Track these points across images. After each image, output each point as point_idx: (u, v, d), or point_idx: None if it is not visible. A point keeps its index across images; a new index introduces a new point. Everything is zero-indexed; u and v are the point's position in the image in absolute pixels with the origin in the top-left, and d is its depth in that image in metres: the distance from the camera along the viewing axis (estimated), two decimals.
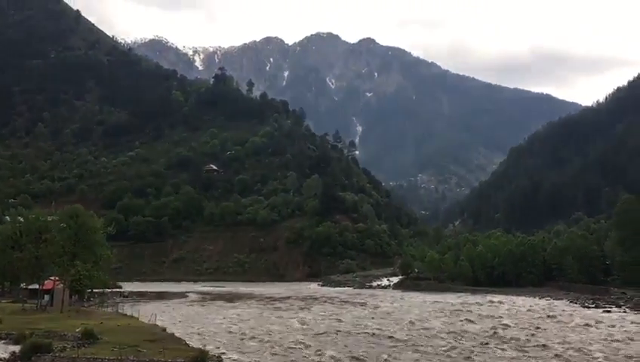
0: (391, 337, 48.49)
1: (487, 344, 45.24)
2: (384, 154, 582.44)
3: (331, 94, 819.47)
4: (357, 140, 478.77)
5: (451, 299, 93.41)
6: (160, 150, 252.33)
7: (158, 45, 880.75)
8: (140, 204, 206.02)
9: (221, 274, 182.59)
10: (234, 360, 38.52)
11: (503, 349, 42.90)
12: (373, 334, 50.62)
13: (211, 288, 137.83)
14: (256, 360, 38.72)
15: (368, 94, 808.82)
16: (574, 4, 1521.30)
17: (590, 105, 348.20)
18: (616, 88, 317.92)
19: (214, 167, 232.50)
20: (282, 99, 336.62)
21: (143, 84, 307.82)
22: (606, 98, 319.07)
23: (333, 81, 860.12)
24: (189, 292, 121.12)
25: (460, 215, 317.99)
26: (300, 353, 41.23)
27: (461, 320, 61.09)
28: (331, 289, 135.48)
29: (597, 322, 58.71)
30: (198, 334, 51.76)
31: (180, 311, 76.91)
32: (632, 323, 57.87)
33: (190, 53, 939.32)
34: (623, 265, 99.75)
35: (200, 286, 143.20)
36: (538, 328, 54.17)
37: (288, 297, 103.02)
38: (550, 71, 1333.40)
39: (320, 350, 42.14)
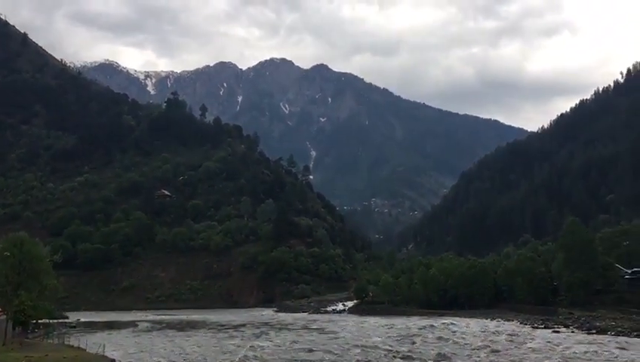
0: None
1: None
2: (338, 178, 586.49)
3: (285, 119, 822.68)
4: (311, 165, 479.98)
5: (407, 322, 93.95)
6: (110, 175, 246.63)
7: (108, 69, 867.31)
8: (89, 231, 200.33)
9: (173, 301, 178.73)
10: None
11: None
12: None
13: (163, 316, 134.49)
14: None
15: (322, 119, 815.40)
16: (519, 38, 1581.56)
17: (536, 130, 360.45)
18: (559, 115, 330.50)
19: (167, 193, 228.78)
20: (236, 124, 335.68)
21: (93, 108, 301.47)
22: (550, 124, 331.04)
23: (287, 106, 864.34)
24: (139, 321, 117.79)
25: (414, 238, 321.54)
26: None
27: (415, 343, 61.37)
28: (287, 314, 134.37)
29: (549, 342, 60.04)
30: None
31: (130, 341, 74.63)
32: (588, 343, 59.27)
33: (142, 77, 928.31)
34: (570, 286, 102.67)
35: (151, 315, 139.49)
36: (497, 351, 54.94)
37: (243, 324, 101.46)
38: (497, 98, 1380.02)
39: None
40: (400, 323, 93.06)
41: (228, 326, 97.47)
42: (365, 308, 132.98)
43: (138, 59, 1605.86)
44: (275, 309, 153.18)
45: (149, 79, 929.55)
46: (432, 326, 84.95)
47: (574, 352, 51.77)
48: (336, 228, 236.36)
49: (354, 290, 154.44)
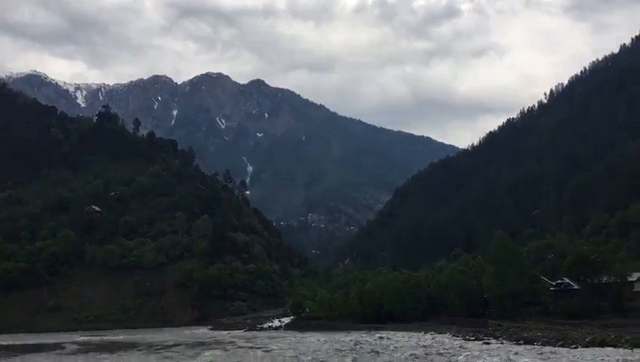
0: None
1: None
2: (275, 194, 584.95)
3: (221, 134, 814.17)
4: (248, 180, 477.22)
5: (343, 337, 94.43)
6: (37, 191, 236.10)
7: (36, 80, 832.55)
8: (12, 249, 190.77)
9: (103, 321, 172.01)
10: None
11: None
12: None
13: (92, 337, 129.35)
14: None
15: (259, 135, 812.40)
16: (449, 58, 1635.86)
17: (466, 147, 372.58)
18: (488, 133, 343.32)
19: (97, 209, 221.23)
20: (171, 138, 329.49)
21: (19, 120, 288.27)
22: (480, 141, 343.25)
23: (224, 121, 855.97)
24: (66, 343, 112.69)
25: (350, 253, 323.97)
26: None
27: (352, 359, 61.70)
28: (222, 332, 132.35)
29: (480, 351, 61.78)
30: None
31: None
32: (515, 354, 61.35)
33: (72, 89, 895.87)
34: (499, 298, 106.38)
35: (79, 336, 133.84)
36: None
37: (178, 344, 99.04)
38: (430, 115, 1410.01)
39: None
40: (336, 338, 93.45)
41: (160, 347, 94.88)
42: (302, 324, 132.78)
43: (68, 70, 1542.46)
44: (210, 327, 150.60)
45: (79, 91, 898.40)
46: (367, 341, 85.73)
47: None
48: (273, 243, 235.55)
49: (290, 306, 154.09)
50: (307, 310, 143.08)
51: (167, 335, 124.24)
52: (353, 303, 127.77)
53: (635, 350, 57.89)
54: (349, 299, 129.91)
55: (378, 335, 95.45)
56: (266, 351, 79.02)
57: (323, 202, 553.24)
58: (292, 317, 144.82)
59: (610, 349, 59.92)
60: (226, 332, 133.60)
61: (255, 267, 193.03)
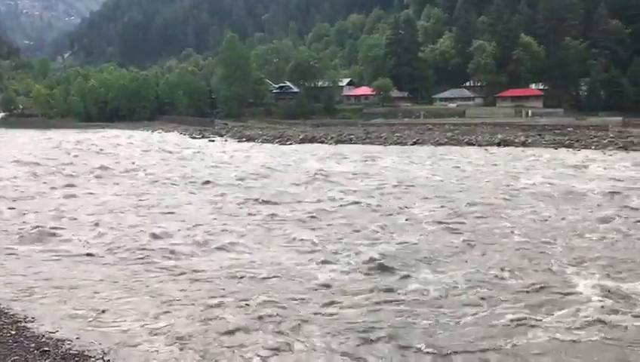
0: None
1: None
2: None
3: None
4: None
5: (63, 136, 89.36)
6: None
7: None
8: None
9: None
10: None
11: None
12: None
13: None
14: None
15: None
16: None
17: None
18: None
19: None
20: None
21: None
22: None
23: None
24: None
25: (70, 47, 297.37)
26: None
27: (73, 155, 59.22)
28: None
29: (206, 147, 64.80)
30: None
31: None
32: (235, 150, 65.63)
33: None
34: (226, 99, 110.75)
35: None
36: (165, 159, 56.49)
37: None
38: None
39: None
40: (56, 136, 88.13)
41: None
42: (15, 121, 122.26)
43: None
44: None
45: None
46: (88, 139, 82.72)
47: (224, 155, 57.11)
48: None
49: (0, 102, 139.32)
50: (21, 107, 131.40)
51: None
52: (75, 100, 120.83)
53: (338, 145, 67.28)
54: (70, 96, 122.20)
55: (102, 133, 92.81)
56: None
57: None
58: (3, 114, 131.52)
59: (318, 145, 68.40)
60: None
61: None
